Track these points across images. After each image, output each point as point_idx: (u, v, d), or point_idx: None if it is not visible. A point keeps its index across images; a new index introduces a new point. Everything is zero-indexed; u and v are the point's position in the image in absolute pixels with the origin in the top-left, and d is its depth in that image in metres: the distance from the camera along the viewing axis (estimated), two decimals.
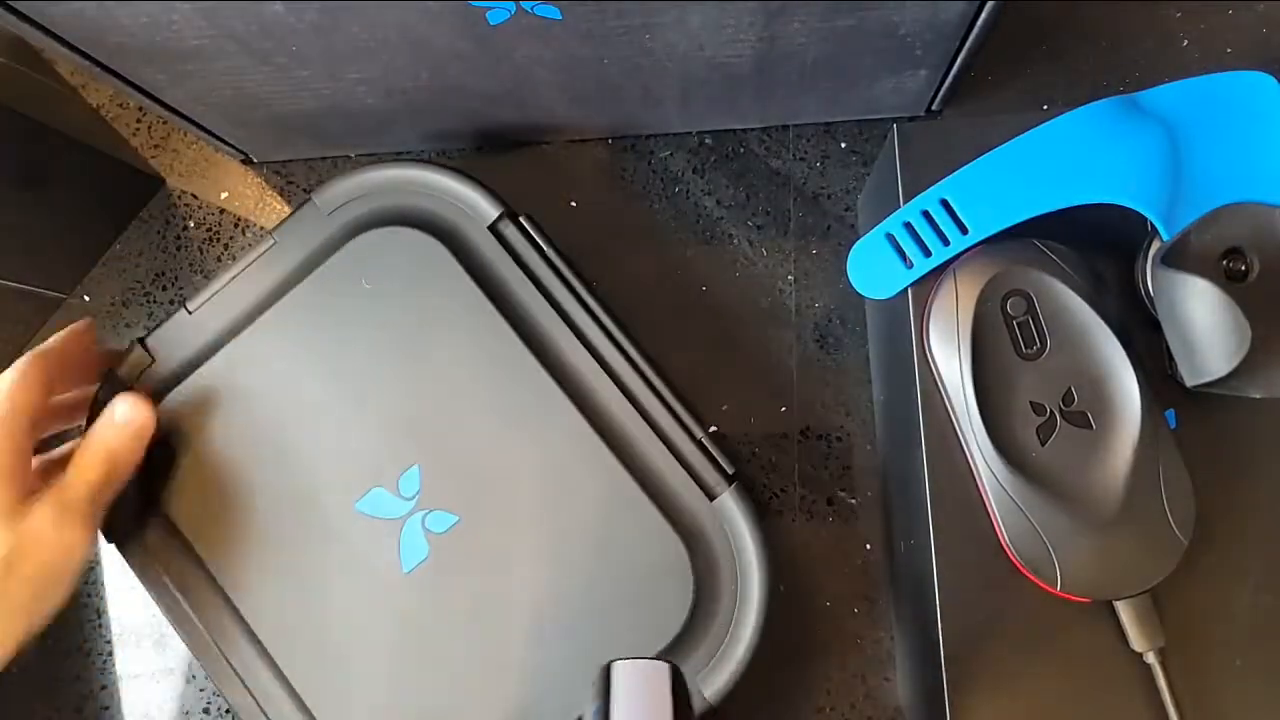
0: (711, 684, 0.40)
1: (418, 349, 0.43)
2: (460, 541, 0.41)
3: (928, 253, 0.39)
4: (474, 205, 0.44)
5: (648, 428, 0.42)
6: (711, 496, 0.42)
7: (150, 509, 0.42)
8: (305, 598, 0.42)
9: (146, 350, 0.44)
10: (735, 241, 0.52)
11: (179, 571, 0.42)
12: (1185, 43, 0.52)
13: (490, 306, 0.42)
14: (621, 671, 0.31)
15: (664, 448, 0.42)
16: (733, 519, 0.41)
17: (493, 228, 0.44)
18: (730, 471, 0.42)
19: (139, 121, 0.55)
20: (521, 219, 0.44)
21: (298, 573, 0.42)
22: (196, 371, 0.43)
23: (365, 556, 0.42)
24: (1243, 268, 0.34)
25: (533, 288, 0.43)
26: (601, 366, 0.43)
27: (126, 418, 0.39)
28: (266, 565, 0.42)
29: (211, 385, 0.43)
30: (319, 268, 0.43)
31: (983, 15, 0.40)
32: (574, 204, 0.53)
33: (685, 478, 0.42)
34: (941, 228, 0.39)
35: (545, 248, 0.44)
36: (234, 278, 0.44)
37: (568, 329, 0.43)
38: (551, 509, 0.42)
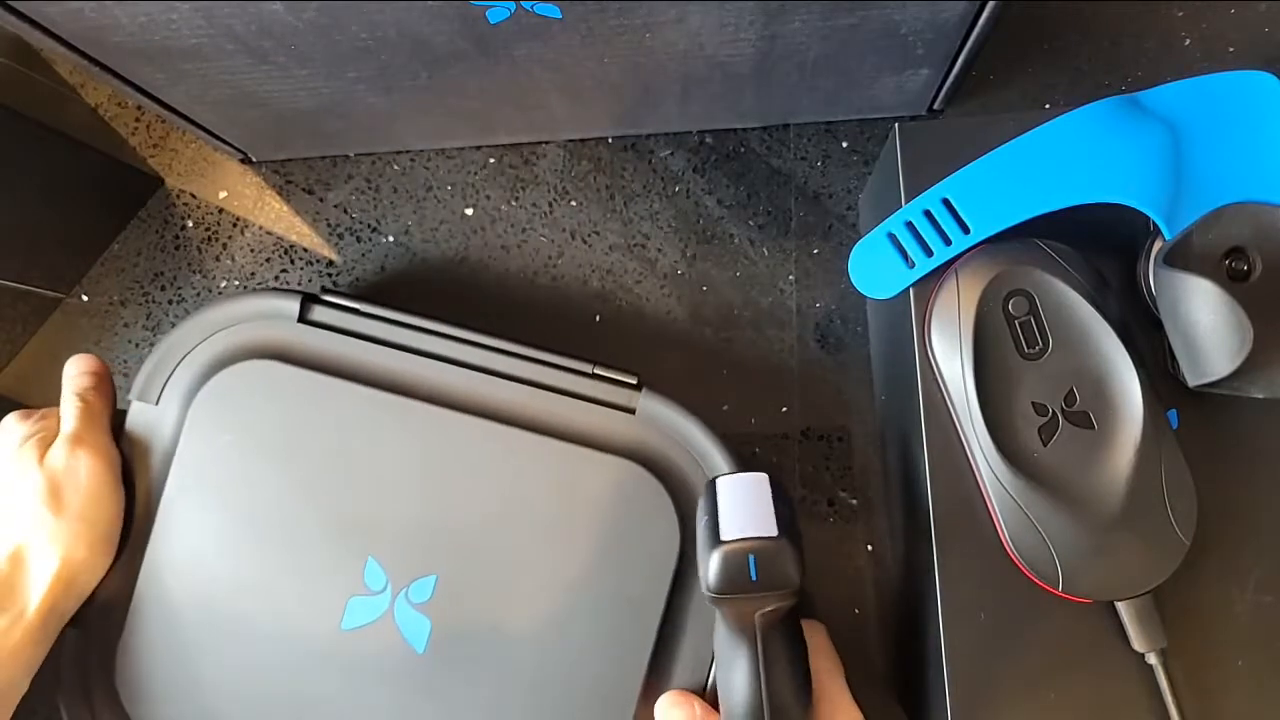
0: None
1: (310, 457, 0.43)
2: (451, 594, 0.42)
3: (929, 252, 0.39)
4: (273, 310, 0.44)
5: (543, 392, 0.43)
6: (631, 410, 0.42)
7: None
8: None
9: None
10: (736, 241, 0.52)
11: None
12: (1187, 42, 0.52)
13: (346, 383, 0.42)
14: (725, 485, 0.36)
15: (566, 398, 0.43)
16: (658, 417, 0.43)
17: (303, 319, 0.44)
18: (634, 382, 0.43)
19: (137, 121, 0.55)
20: (322, 294, 0.44)
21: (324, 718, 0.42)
22: (130, 613, 0.42)
23: (379, 665, 0.41)
24: (1245, 267, 0.34)
25: (372, 344, 0.43)
26: (471, 369, 0.43)
27: (77, 368, 0.45)
28: None
29: (148, 613, 0.42)
30: (177, 453, 0.43)
31: (984, 14, 0.40)
32: (574, 203, 0.53)
33: (600, 410, 0.43)
34: (943, 227, 0.39)
35: (360, 306, 0.44)
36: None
37: (425, 358, 0.43)
38: (509, 510, 0.42)
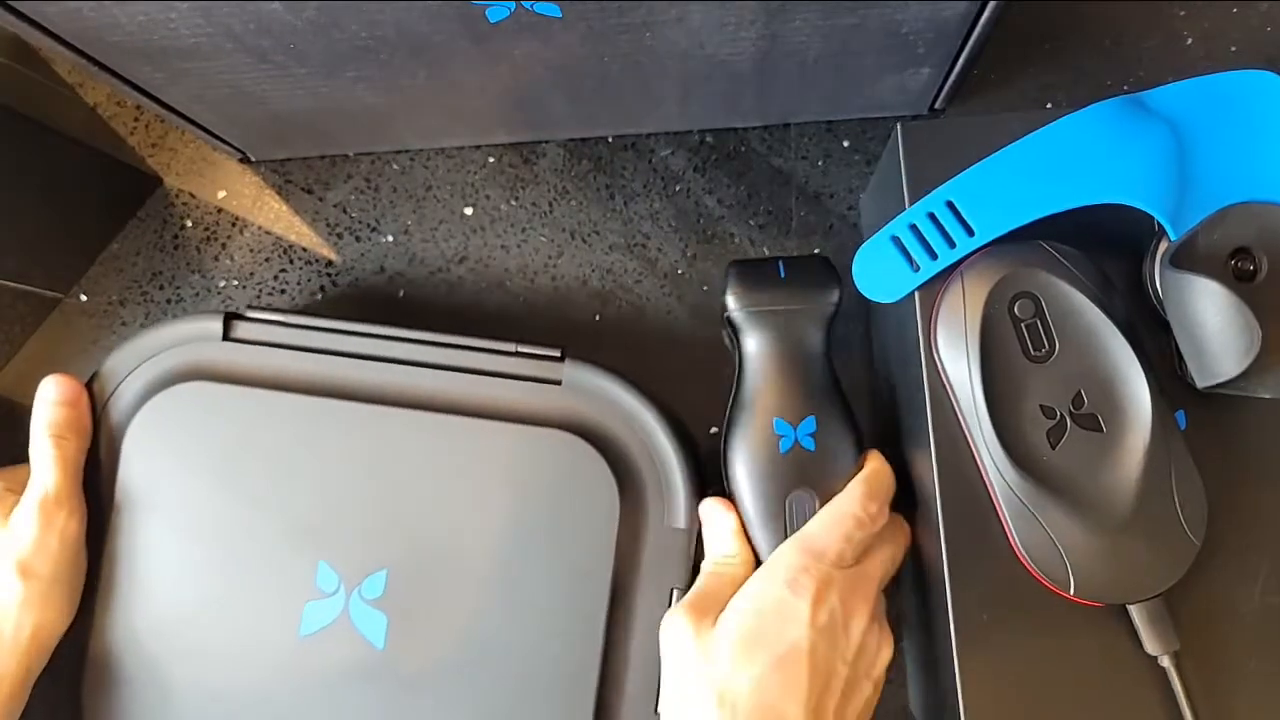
0: (676, 511, 0.43)
1: (249, 471, 0.43)
2: (403, 586, 0.42)
3: (934, 255, 0.39)
4: (197, 333, 0.44)
5: (470, 375, 0.43)
6: (558, 382, 0.43)
7: None
8: None
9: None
10: (736, 240, 0.52)
11: None
12: (1189, 40, 0.51)
13: (276, 394, 0.43)
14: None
15: (494, 379, 0.43)
16: (584, 384, 0.43)
17: (228, 337, 0.44)
18: (558, 354, 0.43)
19: (136, 120, 0.55)
20: (243, 310, 0.45)
21: None
22: (90, 650, 0.43)
23: (342, 666, 0.42)
24: (1251, 267, 0.34)
25: (300, 353, 0.44)
26: (398, 364, 0.44)
27: (53, 395, 0.43)
28: None
29: (108, 647, 0.43)
30: (117, 486, 0.43)
31: (985, 13, 0.40)
32: (574, 203, 0.53)
33: (528, 385, 0.43)
34: (947, 230, 0.39)
35: (282, 318, 0.45)
36: None
37: (352, 359, 0.44)
38: (451, 495, 0.42)
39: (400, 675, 0.42)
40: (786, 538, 0.40)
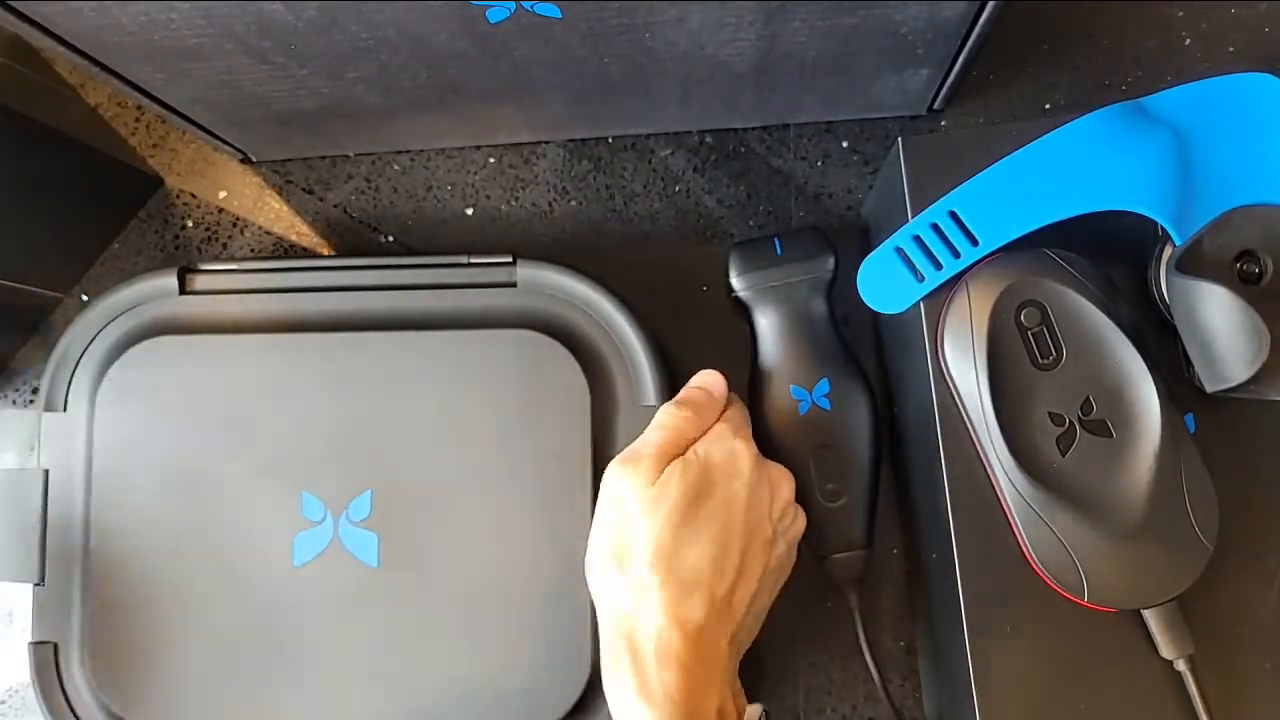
0: (644, 389, 0.44)
1: (224, 416, 0.43)
2: (389, 503, 0.43)
3: (938, 266, 0.39)
4: (154, 291, 0.45)
5: (427, 291, 0.44)
6: (513, 284, 0.44)
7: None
8: (315, 671, 0.42)
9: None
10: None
11: None
12: (1187, 41, 0.52)
13: (239, 336, 0.44)
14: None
15: (450, 290, 0.44)
16: (538, 281, 0.44)
17: (185, 291, 0.45)
18: (509, 259, 0.44)
19: (137, 121, 0.55)
20: (198, 264, 0.45)
21: (289, 664, 0.42)
22: (89, 615, 0.43)
23: (340, 590, 0.42)
24: (1257, 270, 0.34)
25: (259, 295, 0.45)
26: (355, 290, 0.44)
27: None
28: (263, 678, 0.42)
29: (106, 609, 0.43)
30: (95, 450, 0.43)
31: (984, 14, 0.40)
32: (574, 203, 0.53)
33: (485, 292, 0.44)
34: (951, 240, 0.39)
35: (235, 265, 0.45)
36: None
37: (310, 293, 0.44)
38: (423, 408, 0.43)
39: (399, 589, 0.42)
40: (815, 494, 0.44)
